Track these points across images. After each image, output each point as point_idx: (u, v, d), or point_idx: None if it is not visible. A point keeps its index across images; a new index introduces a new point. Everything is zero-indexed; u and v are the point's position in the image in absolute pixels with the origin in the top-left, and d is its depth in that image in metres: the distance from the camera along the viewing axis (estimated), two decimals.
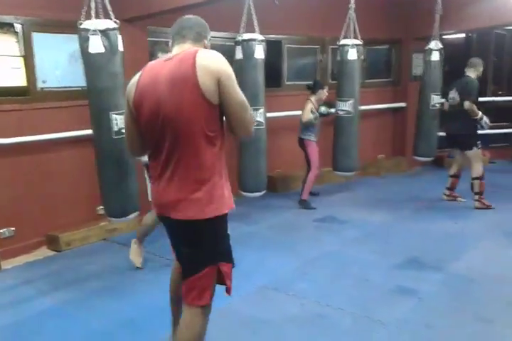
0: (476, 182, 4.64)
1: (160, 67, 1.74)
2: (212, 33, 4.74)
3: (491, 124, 5.68)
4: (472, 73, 4.75)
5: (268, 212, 4.74)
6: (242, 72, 3.85)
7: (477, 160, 4.69)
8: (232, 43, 4.04)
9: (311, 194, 5.08)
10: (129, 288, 3.09)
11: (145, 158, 2.87)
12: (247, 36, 3.86)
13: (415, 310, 2.70)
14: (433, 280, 3.09)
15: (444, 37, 6.43)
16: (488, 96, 6.99)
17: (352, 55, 4.58)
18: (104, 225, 4.04)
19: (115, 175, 3.04)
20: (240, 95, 1.71)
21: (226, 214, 1.79)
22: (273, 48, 5.04)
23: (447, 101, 4.86)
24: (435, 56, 5.20)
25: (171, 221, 1.79)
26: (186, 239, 1.81)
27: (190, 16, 1.91)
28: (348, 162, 4.80)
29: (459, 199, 4.94)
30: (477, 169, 4.64)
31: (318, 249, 3.67)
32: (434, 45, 5.34)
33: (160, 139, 1.72)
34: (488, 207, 4.61)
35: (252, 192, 4.17)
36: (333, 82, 5.58)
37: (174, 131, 1.67)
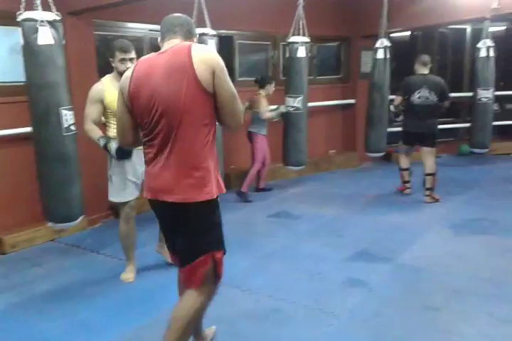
0: (430, 177, 4.82)
1: (154, 59, 1.83)
2: None
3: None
4: (428, 71, 4.87)
5: (222, 209, 4.71)
6: None
7: (434, 156, 4.91)
8: None
9: (264, 189, 5.15)
10: (80, 290, 3.00)
11: (113, 152, 2.85)
12: (198, 31, 3.80)
13: (366, 301, 2.78)
14: (382, 271, 3.19)
15: (391, 35, 6.65)
16: None
17: (300, 52, 4.68)
18: None
19: (62, 175, 2.90)
20: (232, 87, 1.82)
21: (218, 201, 1.89)
22: (224, 44, 5.01)
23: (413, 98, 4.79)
24: (383, 54, 5.38)
25: (165, 205, 1.84)
26: (181, 223, 1.87)
27: (179, 14, 1.97)
28: (298, 156, 4.94)
29: (408, 190, 5.14)
30: (433, 165, 4.84)
31: (272, 244, 3.70)
32: (381, 43, 5.52)
33: (155, 127, 1.79)
34: (436, 201, 4.80)
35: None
36: (285, 78, 5.65)
37: (170, 119, 1.75)
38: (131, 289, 3.00)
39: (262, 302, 2.79)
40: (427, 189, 4.83)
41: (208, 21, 3.77)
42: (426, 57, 4.91)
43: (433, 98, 4.75)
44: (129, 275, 3.13)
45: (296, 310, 2.67)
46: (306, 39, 4.63)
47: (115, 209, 4.45)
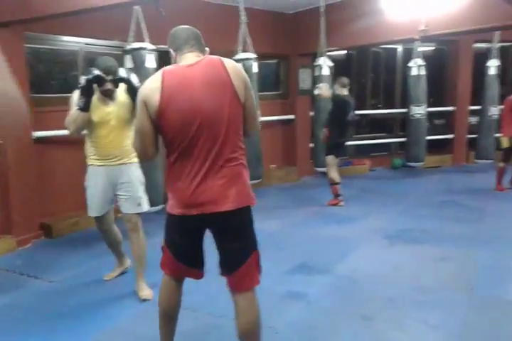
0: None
1: (185, 72, 1.82)
2: (100, 42, 4.59)
3: (372, 135, 6.34)
4: (347, 92, 5.22)
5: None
6: None
7: None
8: (120, 52, 3.95)
9: None
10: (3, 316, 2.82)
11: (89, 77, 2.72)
12: (136, 45, 3.80)
13: (304, 313, 2.82)
14: (321, 283, 3.25)
15: (328, 53, 6.93)
16: (368, 109, 7.62)
17: (254, 68, 4.77)
18: None
19: None
20: (255, 99, 1.96)
21: None
22: (164, 59, 4.99)
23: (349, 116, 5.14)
24: (324, 71, 5.65)
25: (212, 218, 1.88)
26: (231, 230, 1.94)
27: (189, 27, 2.00)
28: (257, 170, 5.08)
29: (342, 203, 5.31)
30: None
31: (211, 260, 3.64)
32: (323, 61, 5.78)
33: (194, 141, 1.79)
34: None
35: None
36: None
37: (214, 132, 1.79)
38: (61, 314, 2.86)
39: (202, 320, 2.75)
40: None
41: (146, 36, 3.76)
42: (345, 79, 5.22)
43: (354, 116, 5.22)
44: (146, 292, 3.04)
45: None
46: (254, 55, 4.74)
47: (47, 228, 4.27)
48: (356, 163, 7.42)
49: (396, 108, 7.65)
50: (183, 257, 2.07)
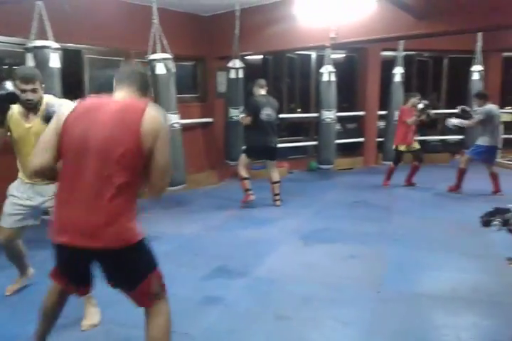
0: (278, 185, 5.40)
1: (103, 103, 1.87)
2: (1, 38, 4.23)
3: (289, 138, 6.53)
4: (265, 92, 5.33)
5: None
6: None
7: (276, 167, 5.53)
8: (22, 50, 3.68)
9: None
10: None
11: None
12: (39, 43, 3.56)
13: (221, 318, 2.79)
14: (238, 286, 3.24)
15: (245, 57, 7.00)
16: (285, 113, 7.79)
17: (163, 69, 4.67)
18: None
19: None
20: (168, 156, 1.87)
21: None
22: (71, 58, 4.75)
23: (262, 116, 5.20)
24: (235, 74, 5.66)
25: (89, 250, 1.80)
26: (118, 265, 1.88)
27: (137, 68, 2.10)
28: (179, 175, 4.98)
29: (252, 197, 5.42)
30: (278, 174, 5.46)
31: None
32: (234, 64, 5.82)
33: (80, 169, 1.78)
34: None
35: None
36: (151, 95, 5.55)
37: (100, 167, 1.77)
38: None
39: (114, 332, 2.63)
40: (277, 194, 5.41)
41: (50, 33, 3.54)
42: (262, 81, 5.42)
43: (274, 115, 5.28)
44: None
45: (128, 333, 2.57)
46: (169, 55, 4.64)
47: None
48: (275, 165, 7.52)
49: (311, 112, 7.90)
50: (67, 274, 2.01)
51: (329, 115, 6.66)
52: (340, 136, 7.40)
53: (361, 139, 8.18)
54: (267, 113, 5.20)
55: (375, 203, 5.59)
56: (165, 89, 4.70)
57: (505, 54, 8.46)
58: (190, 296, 3.05)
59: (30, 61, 3.54)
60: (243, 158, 5.41)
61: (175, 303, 2.94)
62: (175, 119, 4.72)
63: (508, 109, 8.54)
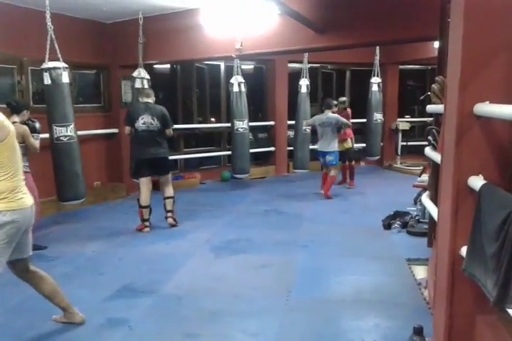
0: (171, 200, 4.96)
1: None
2: None
3: (200, 149, 6.52)
4: (152, 100, 4.89)
5: None
6: None
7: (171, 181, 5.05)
8: None
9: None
10: None
11: None
12: None
13: (125, 340, 2.63)
14: (144, 305, 3.08)
15: (154, 66, 6.84)
16: (195, 123, 7.72)
17: (64, 78, 4.46)
18: None
19: None
20: None
21: None
22: None
23: (138, 125, 4.75)
24: (140, 84, 5.52)
25: None
26: None
27: None
28: (77, 189, 4.75)
29: (147, 229, 4.86)
30: (172, 189, 4.98)
31: (20, 294, 3.18)
32: (139, 73, 5.66)
33: None
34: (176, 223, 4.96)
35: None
36: (37, 105, 5.17)
37: None
38: None
39: None
40: (169, 211, 4.96)
41: None
42: (148, 90, 5.10)
43: (158, 124, 4.74)
44: None
45: None
46: (65, 64, 4.38)
47: None
48: (187, 176, 7.41)
49: (223, 122, 7.90)
50: None
51: (241, 125, 6.70)
52: (252, 145, 7.47)
53: (272, 148, 8.32)
54: (144, 121, 4.70)
55: (286, 211, 5.68)
56: (59, 99, 4.42)
57: (402, 67, 9.10)
58: (92, 319, 2.84)
59: None
60: (137, 181, 4.95)
61: (73, 328, 2.76)
62: (69, 131, 4.45)
63: (405, 118, 9.18)
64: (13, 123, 4.04)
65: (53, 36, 4.39)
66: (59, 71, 4.33)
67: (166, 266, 3.83)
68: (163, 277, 3.57)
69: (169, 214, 4.98)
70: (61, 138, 4.49)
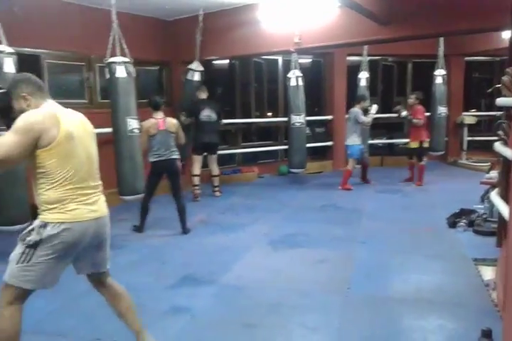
0: (217, 178, 6.21)
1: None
2: None
3: (258, 143, 6.70)
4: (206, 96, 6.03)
5: None
6: None
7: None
8: None
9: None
10: None
11: None
12: None
13: (188, 327, 2.72)
14: (206, 295, 3.17)
15: (213, 62, 6.97)
16: (253, 118, 7.78)
17: (123, 72, 4.56)
18: None
19: None
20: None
21: None
22: (29, 63, 4.60)
23: (201, 117, 5.90)
24: (195, 76, 5.74)
25: None
26: None
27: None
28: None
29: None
30: (217, 168, 6.25)
31: (86, 281, 3.36)
32: (194, 66, 5.88)
33: None
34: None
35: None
36: (103, 100, 5.41)
37: None
38: None
39: None
40: (216, 186, 6.21)
41: (2, 37, 3.41)
42: (203, 87, 6.08)
43: (215, 116, 5.97)
44: None
45: None
46: (127, 59, 4.54)
47: None
48: (245, 170, 7.51)
49: (280, 117, 7.90)
50: None
51: (298, 119, 6.66)
52: (309, 140, 7.42)
53: (330, 143, 8.22)
54: (206, 114, 5.90)
55: (344, 206, 5.61)
56: (123, 93, 4.58)
57: (468, 58, 8.69)
58: (156, 306, 2.96)
59: None
60: (194, 156, 6.06)
61: (141, 314, 2.87)
62: (134, 124, 4.58)
63: (471, 112, 8.77)
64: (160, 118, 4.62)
65: (119, 34, 4.55)
66: (124, 65, 4.46)
67: (225, 257, 3.91)
68: (223, 268, 3.65)
69: (216, 189, 6.22)
70: (134, 130, 4.62)
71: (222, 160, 6.93)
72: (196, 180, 6.08)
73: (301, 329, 2.68)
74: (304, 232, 4.55)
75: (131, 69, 4.49)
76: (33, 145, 1.88)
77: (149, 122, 4.56)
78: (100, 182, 2.16)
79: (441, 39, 7.23)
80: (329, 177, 7.64)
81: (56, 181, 1.95)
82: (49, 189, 1.96)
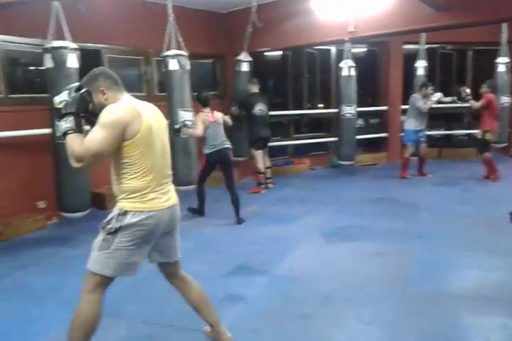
0: (270, 170, 6.31)
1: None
2: (18, 39, 4.33)
3: (310, 135, 6.69)
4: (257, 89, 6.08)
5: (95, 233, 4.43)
6: (53, 83, 3.56)
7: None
8: (41, 50, 3.72)
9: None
10: None
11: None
12: (57, 44, 3.59)
13: (243, 316, 2.77)
14: (259, 284, 3.21)
15: (265, 53, 6.96)
16: (305, 109, 7.72)
17: (176, 65, 4.66)
18: None
19: None
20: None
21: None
22: (91, 58, 4.79)
23: (255, 111, 5.96)
24: (244, 67, 5.77)
25: None
26: None
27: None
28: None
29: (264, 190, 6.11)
30: (269, 160, 6.38)
31: (147, 267, 3.50)
32: (243, 57, 5.92)
33: None
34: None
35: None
36: (160, 93, 5.56)
37: None
38: None
39: (135, 329, 2.64)
40: (269, 178, 6.28)
41: (67, 33, 3.56)
42: (254, 79, 6.11)
43: (266, 110, 6.06)
44: None
45: (171, 334, 2.58)
46: (183, 52, 4.63)
47: None
48: (297, 162, 7.49)
49: (333, 108, 7.79)
50: None
51: (349, 110, 6.53)
52: (362, 131, 7.28)
53: (385, 134, 8.02)
54: (259, 108, 5.96)
55: (400, 200, 5.46)
56: (177, 86, 4.68)
57: None
58: (211, 293, 2.97)
59: (48, 62, 3.57)
60: (253, 151, 6.06)
61: None
62: (188, 117, 4.68)
63: None
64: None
65: (175, 28, 4.65)
66: (177, 58, 4.56)
67: (278, 248, 3.94)
68: (276, 258, 3.67)
69: (269, 180, 6.29)
70: (187, 122, 4.74)
71: (274, 152, 6.94)
72: (263, 178, 6.19)
73: (355, 322, 2.66)
74: (358, 225, 4.49)
75: (185, 62, 4.58)
76: (121, 139, 1.94)
77: (201, 115, 4.67)
78: (172, 172, 2.21)
79: (504, 25, 6.84)
80: (383, 169, 7.47)
81: (139, 171, 2.02)
82: (132, 179, 2.02)
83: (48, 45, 3.56)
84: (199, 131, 4.61)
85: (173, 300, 2.77)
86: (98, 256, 2.04)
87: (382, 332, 2.55)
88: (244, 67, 6.15)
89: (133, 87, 5.56)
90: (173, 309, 2.83)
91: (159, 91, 5.73)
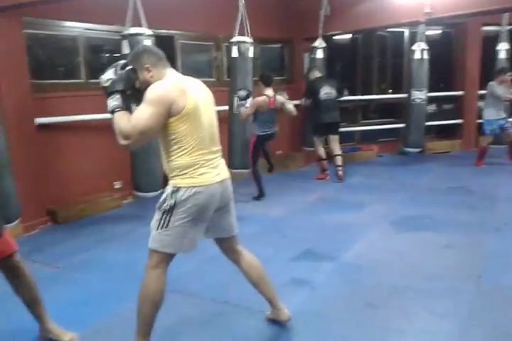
0: (340, 157, 5.87)
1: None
2: (98, 26, 4.52)
3: (379, 120, 6.44)
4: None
5: None
6: None
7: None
8: (119, 37, 3.87)
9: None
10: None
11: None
12: (133, 30, 3.72)
13: (308, 300, 2.78)
14: (326, 270, 3.20)
15: (333, 37, 6.81)
16: (375, 94, 7.49)
17: (239, 51, 4.71)
18: None
19: None
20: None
21: None
22: (165, 44, 4.91)
23: (321, 95, 5.75)
24: (319, 53, 5.64)
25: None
26: None
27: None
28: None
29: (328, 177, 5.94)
30: (339, 147, 5.93)
31: (216, 247, 3.61)
32: (319, 43, 5.78)
33: None
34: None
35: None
36: (229, 79, 5.61)
37: None
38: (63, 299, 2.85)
39: (204, 307, 2.73)
40: (339, 166, 5.83)
41: (143, 21, 3.68)
42: (320, 66, 6.05)
43: (335, 93, 5.78)
44: None
45: (239, 313, 2.63)
46: (249, 39, 4.64)
47: (53, 214, 4.27)
48: (364, 148, 7.32)
49: (404, 93, 7.49)
50: None
51: (420, 95, 6.24)
52: (435, 117, 6.96)
53: (459, 121, 7.62)
54: (325, 92, 5.73)
55: (476, 190, 5.20)
56: (239, 71, 4.72)
57: None
58: (278, 277, 3.03)
59: (125, 48, 3.71)
60: (315, 138, 5.98)
61: None
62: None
63: None
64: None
65: (244, 13, 4.65)
66: (241, 45, 4.59)
67: (344, 235, 3.90)
68: (343, 245, 3.64)
69: (339, 168, 5.82)
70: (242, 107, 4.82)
71: (341, 138, 6.80)
72: (325, 164, 5.99)
73: (426, 313, 2.59)
74: (428, 215, 4.33)
75: (246, 48, 4.62)
76: (167, 115, 1.94)
77: (262, 99, 4.70)
78: (220, 147, 2.21)
79: None
80: (458, 157, 7.13)
81: (188, 147, 2.01)
82: (181, 155, 2.02)
83: (126, 32, 3.69)
84: (245, 114, 4.72)
85: (240, 281, 2.84)
86: (157, 234, 2.10)
87: (454, 326, 2.46)
88: (319, 54, 6.05)
89: (203, 72, 5.66)
90: (240, 289, 2.88)
91: (228, 76, 5.78)
